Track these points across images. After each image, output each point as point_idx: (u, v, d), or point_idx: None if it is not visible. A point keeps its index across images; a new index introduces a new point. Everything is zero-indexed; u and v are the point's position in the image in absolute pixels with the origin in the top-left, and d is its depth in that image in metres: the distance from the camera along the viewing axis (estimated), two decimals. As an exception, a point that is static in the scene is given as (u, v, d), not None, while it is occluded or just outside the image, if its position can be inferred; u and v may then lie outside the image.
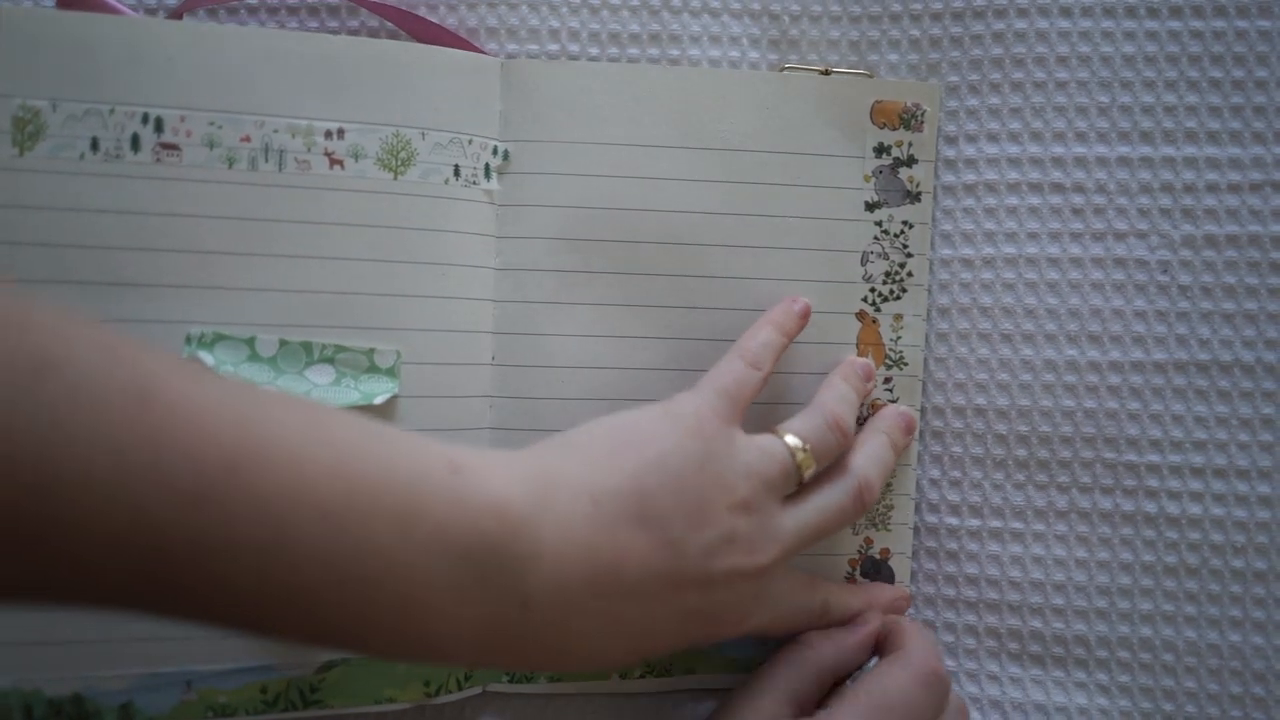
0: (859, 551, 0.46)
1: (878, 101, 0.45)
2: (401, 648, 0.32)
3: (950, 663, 0.46)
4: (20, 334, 0.27)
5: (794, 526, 0.39)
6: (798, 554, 0.40)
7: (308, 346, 0.42)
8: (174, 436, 0.28)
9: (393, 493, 0.31)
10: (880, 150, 0.45)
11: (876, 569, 0.46)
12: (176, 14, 0.44)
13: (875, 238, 0.45)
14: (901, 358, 0.46)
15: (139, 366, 0.29)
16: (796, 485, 0.40)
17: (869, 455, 0.42)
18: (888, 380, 0.45)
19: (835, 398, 0.42)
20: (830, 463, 0.41)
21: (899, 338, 0.45)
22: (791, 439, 0.40)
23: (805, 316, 0.44)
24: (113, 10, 0.43)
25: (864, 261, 0.45)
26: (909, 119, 0.45)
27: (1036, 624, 0.45)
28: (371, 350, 0.42)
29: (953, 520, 0.46)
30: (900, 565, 0.46)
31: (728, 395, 0.40)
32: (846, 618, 0.43)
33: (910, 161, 0.45)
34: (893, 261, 0.45)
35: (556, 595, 0.33)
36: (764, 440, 0.40)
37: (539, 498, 0.33)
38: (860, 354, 0.45)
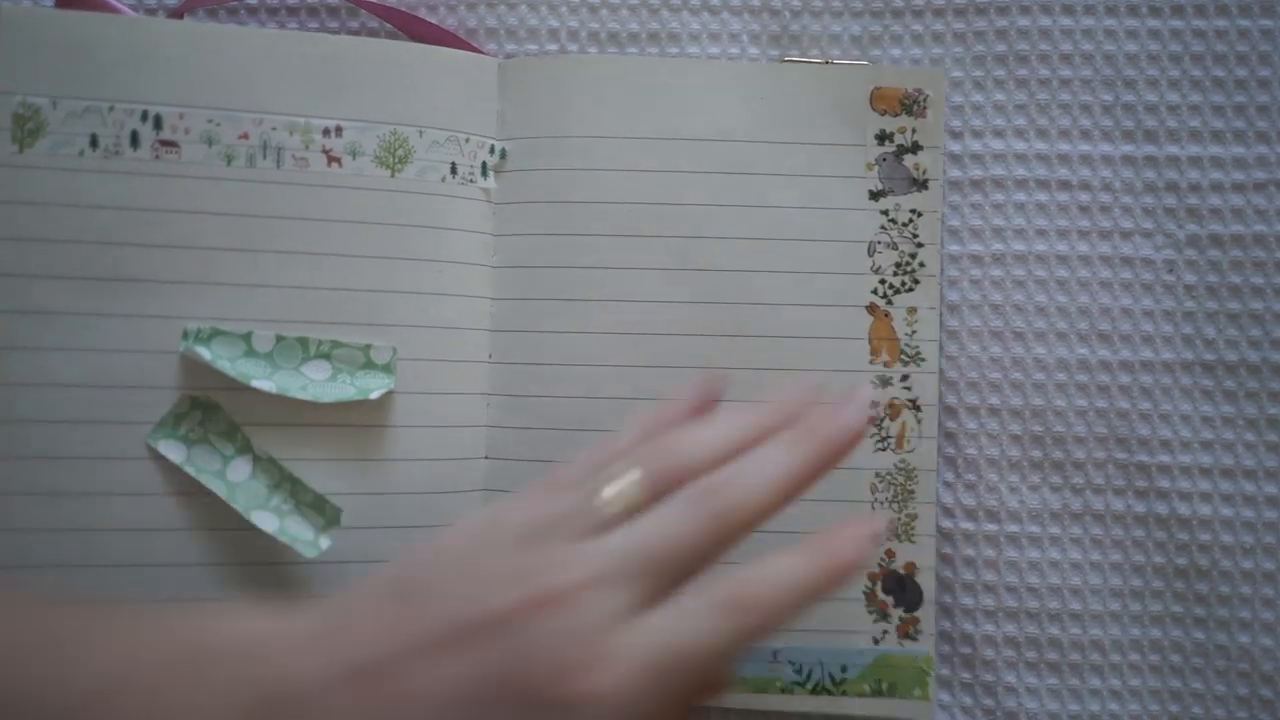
0: (880, 565, 0.43)
1: (877, 88, 0.44)
2: None
3: (966, 675, 0.45)
4: None
5: (614, 546, 0.31)
6: (654, 584, 0.30)
7: (304, 342, 0.41)
8: None
9: None
10: (882, 137, 0.44)
11: (901, 585, 0.43)
12: (176, 14, 0.44)
13: (882, 227, 0.44)
14: (918, 353, 0.44)
15: None
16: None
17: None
18: (905, 378, 0.44)
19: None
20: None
21: (914, 331, 0.44)
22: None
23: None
24: (112, 10, 0.43)
25: (871, 252, 0.44)
26: (911, 104, 0.44)
27: (1054, 630, 0.44)
28: (368, 346, 0.42)
29: (968, 525, 0.45)
30: (927, 580, 0.43)
31: None
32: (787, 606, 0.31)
33: (915, 148, 0.44)
34: (902, 251, 0.44)
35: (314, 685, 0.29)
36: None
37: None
38: (874, 349, 0.44)
